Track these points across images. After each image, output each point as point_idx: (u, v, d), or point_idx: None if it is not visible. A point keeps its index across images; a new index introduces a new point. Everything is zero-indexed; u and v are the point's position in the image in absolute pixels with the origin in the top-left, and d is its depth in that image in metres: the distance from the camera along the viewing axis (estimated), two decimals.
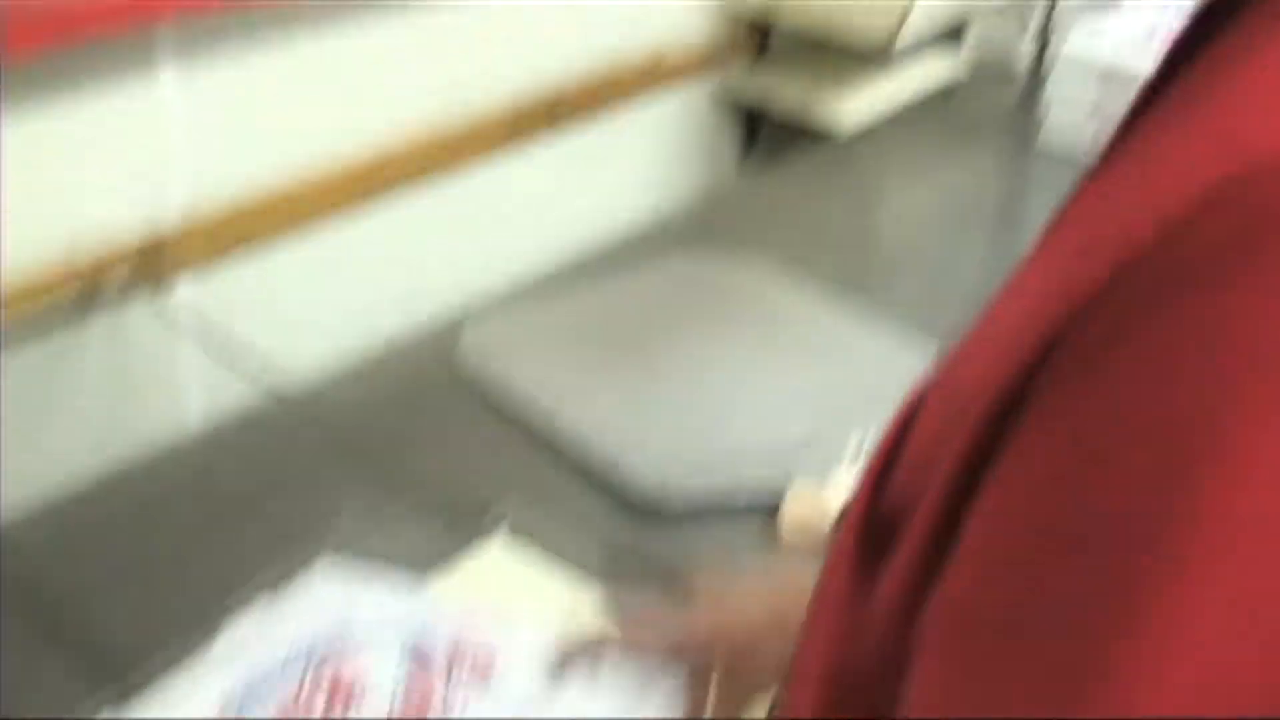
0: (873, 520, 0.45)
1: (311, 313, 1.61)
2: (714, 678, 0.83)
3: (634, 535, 1.19)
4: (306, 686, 0.98)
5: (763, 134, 2.19)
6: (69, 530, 1.17)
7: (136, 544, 1.16)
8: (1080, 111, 2.00)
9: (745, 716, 0.84)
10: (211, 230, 1.46)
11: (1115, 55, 1.99)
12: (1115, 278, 0.31)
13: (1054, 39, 2.25)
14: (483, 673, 1.00)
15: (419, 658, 1.01)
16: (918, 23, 1.92)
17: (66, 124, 1.31)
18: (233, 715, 0.96)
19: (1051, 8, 2.30)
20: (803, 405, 1.36)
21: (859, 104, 2.08)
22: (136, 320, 1.43)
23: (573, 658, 0.92)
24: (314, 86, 1.54)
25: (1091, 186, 0.42)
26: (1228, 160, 0.30)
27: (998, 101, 2.25)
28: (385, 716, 0.97)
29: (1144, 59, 1.96)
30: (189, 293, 1.47)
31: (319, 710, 0.97)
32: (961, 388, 0.40)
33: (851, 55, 2.09)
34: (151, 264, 1.41)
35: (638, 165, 2.04)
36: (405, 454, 1.28)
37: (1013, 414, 0.34)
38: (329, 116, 1.57)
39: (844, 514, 0.48)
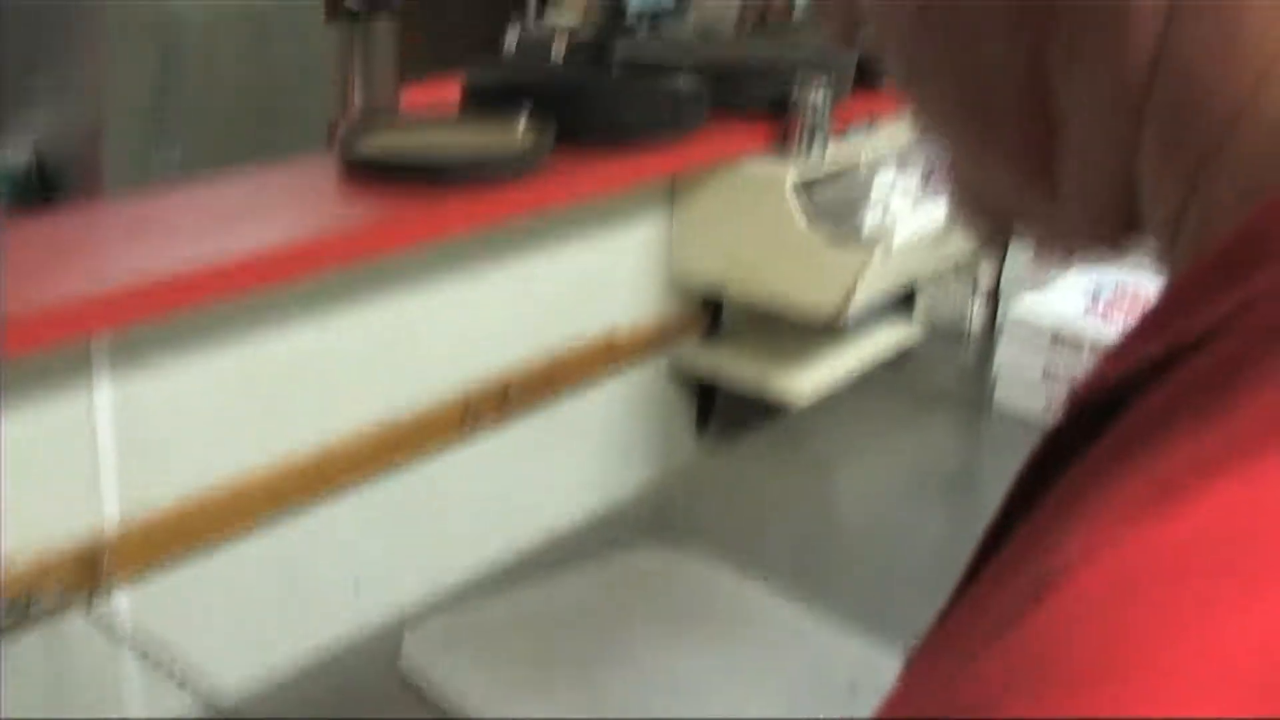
0: None
1: (253, 617, 1.56)
2: None
3: None
4: None
5: (718, 408, 2.18)
6: None
7: None
8: (1033, 373, 2.01)
9: None
10: (149, 537, 1.43)
11: (1064, 317, 2.01)
12: None
13: (1003, 302, 2.28)
14: None
15: None
16: (867, 293, 1.94)
17: (2, 434, 1.29)
18: None
19: (1000, 272, 2.33)
20: (751, 710, 1.32)
21: (813, 375, 2.08)
22: (74, 630, 1.39)
23: None
24: (253, 387, 1.52)
25: (937, 635, 0.39)
26: None
27: (951, 365, 2.26)
28: None
29: (1091, 321, 1.98)
30: (127, 601, 1.43)
31: None
32: None
33: (803, 327, 2.10)
34: (88, 573, 1.38)
35: (592, 447, 2.03)
36: None
37: None
38: (269, 417, 1.55)
39: None
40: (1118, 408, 0.35)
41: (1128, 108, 0.36)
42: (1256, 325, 0.31)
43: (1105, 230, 0.40)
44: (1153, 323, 0.36)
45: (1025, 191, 0.41)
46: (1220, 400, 0.30)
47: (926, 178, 2.15)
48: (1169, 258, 0.38)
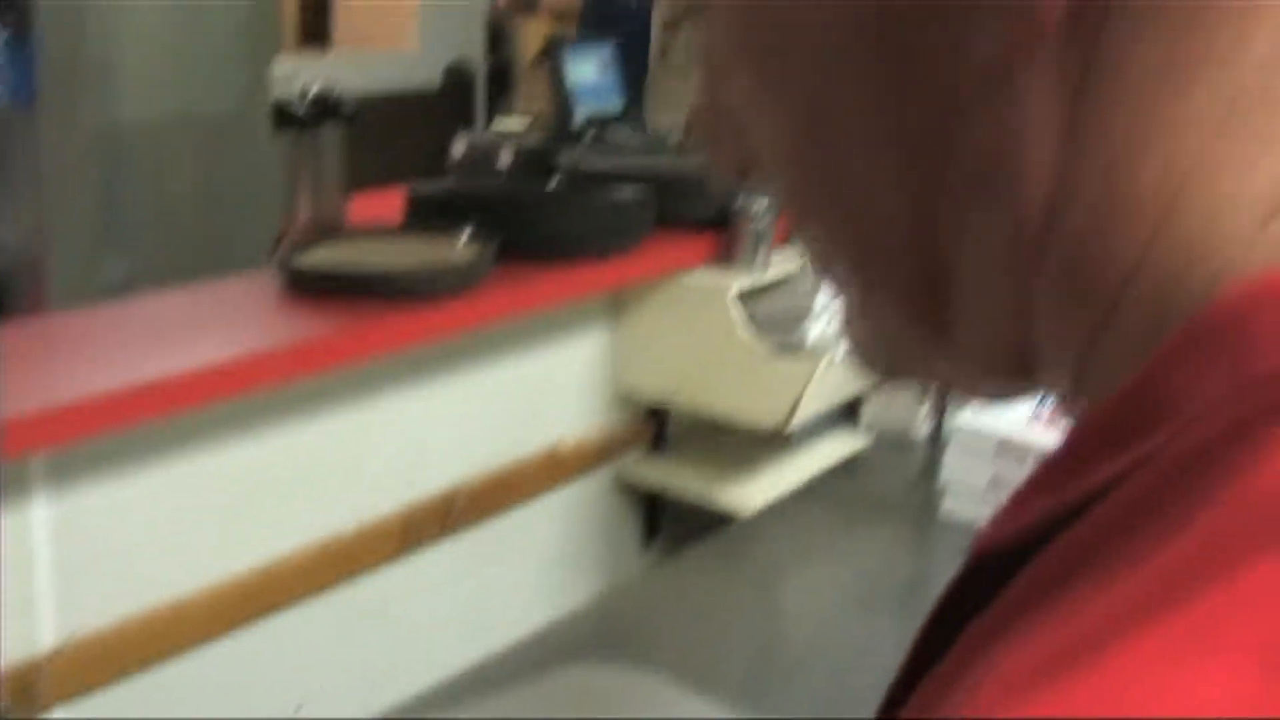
0: None
1: None
2: None
3: None
4: None
5: (665, 521, 2.17)
6: None
7: None
8: (979, 483, 2.01)
9: None
10: (89, 656, 1.41)
11: (1010, 426, 2.01)
12: None
13: (950, 410, 2.28)
14: None
15: None
16: (812, 404, 1.94)
17: None
18: None
19: None
20: None
21: (760, 485, 2.08)
22: None
23: None
24: (194, 504, 1.51)
25: None
26: None
27: (898, 473, 2.26)
28: None
29: (1038, 429, 1.99)
30: None
31: None
32: None
33: (749, 437, 2.10)
34: (26, 693, 1.35)
35: (538, 561, 2.01)
36: None
37: None
38: (210, 535, 1.53)
39: None
40: (1026, 553, 0.34)
41: (1021, 262, 0.36)
42: (1154, 480, 0.31)
43: (1000, 376, 0.40)
44: (1050, 478, 0.35)
45: (917, 335, 0.40)
46: (1112, 561, 0.30)
47: None
48: (1072, 403, 0.38)
